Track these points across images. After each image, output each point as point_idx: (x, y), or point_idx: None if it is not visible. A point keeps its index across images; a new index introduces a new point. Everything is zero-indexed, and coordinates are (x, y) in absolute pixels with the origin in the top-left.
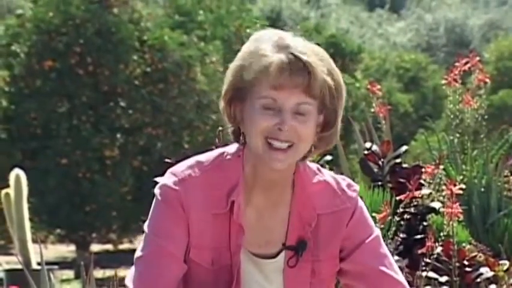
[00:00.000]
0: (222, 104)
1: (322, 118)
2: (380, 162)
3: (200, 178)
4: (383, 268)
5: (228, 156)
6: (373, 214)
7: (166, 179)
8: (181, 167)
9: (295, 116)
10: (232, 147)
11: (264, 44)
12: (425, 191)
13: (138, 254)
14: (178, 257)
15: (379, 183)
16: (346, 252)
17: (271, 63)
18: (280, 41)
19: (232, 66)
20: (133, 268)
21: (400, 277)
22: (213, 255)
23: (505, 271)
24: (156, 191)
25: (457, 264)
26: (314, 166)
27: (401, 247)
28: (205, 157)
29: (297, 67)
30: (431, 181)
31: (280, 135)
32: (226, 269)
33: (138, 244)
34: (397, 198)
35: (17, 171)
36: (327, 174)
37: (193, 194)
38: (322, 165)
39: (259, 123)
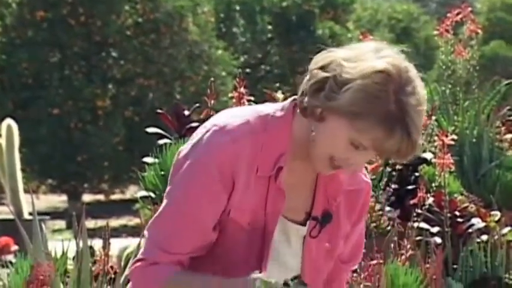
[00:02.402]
0: (312, 90)
1: None
2: None
3: (250, 138)
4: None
5: (274, 119)
6: (365, 165)
7: (216, 133)
8: (230, 123)
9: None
10: (271, 108)
11: (390, 101)
12: None
13: (166, 210)
14: (209, 228)
15: None
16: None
17: (387, 136)
18: (403, 106)
19: (357, 87)
20: (157, 224)
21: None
22: (252, 216)
23: (497, 222)
24: (206, 146)
25: (449, 215)
26: None
27: (392, 198)
28: (249, 114)
29: (405, 149)
30: (423, 132)
31: (348, 169)
32: (260, 231)
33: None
34: None
35: (8, 122)
36: None
37: (245, 154)
38: None
39: (338, 151)
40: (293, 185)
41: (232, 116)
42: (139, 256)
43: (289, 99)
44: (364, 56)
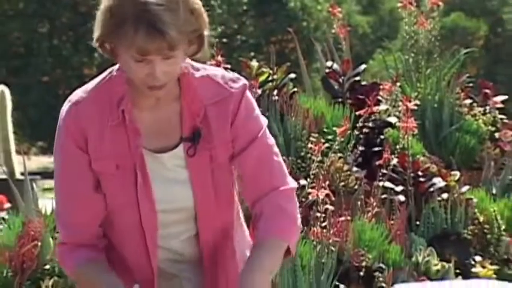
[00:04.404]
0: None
1: (193, 46)
2: (340, 80)
3: (92, 96)
4: (264, 177)
5: (114, 72)
6: (334, 128)
7: (64, 106)
8: (75, 94)
9: (165, 61)
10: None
11: (128, 8)
12: (382, 106)
13: (55, 189)
14: (90, 190)
15: (340, 99)
16: (237, 148)
17: (133, 36)
18: (139, 5)
19: (103, 11)
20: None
21: (279, 179)
22: (116, 161)
23: (456, 181)
24: (59, 119)
25: (412, 174)
26: (198, 64)
27: (360, 159)
28: (98, 77)
29: (159, 39)
30: (388, 97)
31: (155, 82)
32: (132, 171)
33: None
34: (357, 113)
35: (1, 88)
36: (212, 69)
37: (88, 112)
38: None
39: (134, 73)
40: (160, 120)
41: (79, 89)
42: (58, 239)
43: None
44: None
